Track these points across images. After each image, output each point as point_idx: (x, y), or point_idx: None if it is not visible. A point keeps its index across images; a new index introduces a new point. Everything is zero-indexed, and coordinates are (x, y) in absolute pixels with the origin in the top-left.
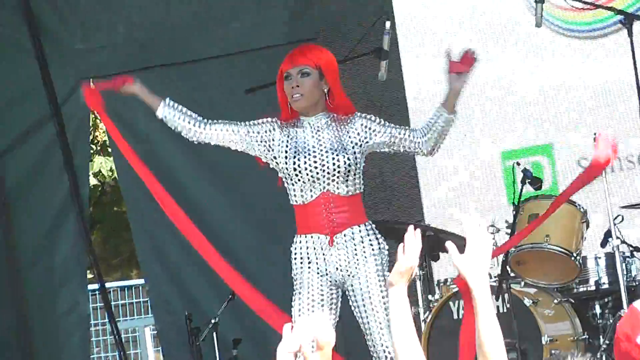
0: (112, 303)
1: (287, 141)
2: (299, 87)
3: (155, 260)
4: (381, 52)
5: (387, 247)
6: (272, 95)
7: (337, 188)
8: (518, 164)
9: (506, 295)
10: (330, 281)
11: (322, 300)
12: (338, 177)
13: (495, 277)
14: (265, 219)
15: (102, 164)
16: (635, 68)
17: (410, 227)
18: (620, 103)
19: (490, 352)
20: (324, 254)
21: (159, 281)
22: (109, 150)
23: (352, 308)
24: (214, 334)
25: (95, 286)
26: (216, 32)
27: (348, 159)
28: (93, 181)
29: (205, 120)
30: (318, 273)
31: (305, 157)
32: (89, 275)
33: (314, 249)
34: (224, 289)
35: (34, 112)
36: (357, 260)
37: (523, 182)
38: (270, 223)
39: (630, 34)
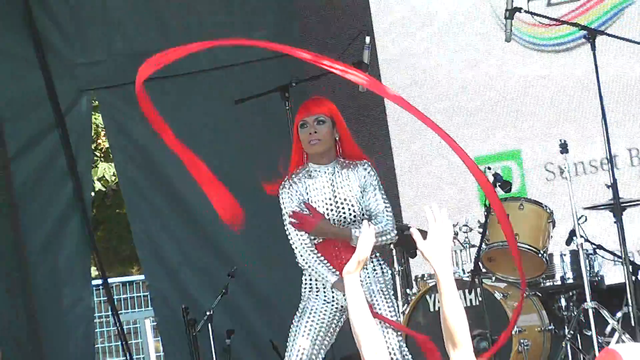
0: (115, 297)
1: (307, 192)
2: (316, 133)
3: (154, 259)
4: (361, 64)
5: (390, 271)
6: (260, 105)
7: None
8: (489, 168)
9: (478, 290)
10: (336, 307)
11: (322, 324)
12: (352, 224)
13: (468, 272)
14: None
15: (106, 170)
16: (598, 79)
17: (365, 222)
18: (583, 111)
19: (454, 325)
20: (332, 292)
21: (157, 278)
22: (111, 156)
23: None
24: (209, 325)
25: (99, 282)
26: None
27: (360, 206)
28: (97, 185)
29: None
30: (325, 300)
31: (323, 206)
32: (93, 272)
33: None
34: (218, 284)
35: (40, 121)
36: (363, 284)
37: (494, 186)
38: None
39: (593, 47)
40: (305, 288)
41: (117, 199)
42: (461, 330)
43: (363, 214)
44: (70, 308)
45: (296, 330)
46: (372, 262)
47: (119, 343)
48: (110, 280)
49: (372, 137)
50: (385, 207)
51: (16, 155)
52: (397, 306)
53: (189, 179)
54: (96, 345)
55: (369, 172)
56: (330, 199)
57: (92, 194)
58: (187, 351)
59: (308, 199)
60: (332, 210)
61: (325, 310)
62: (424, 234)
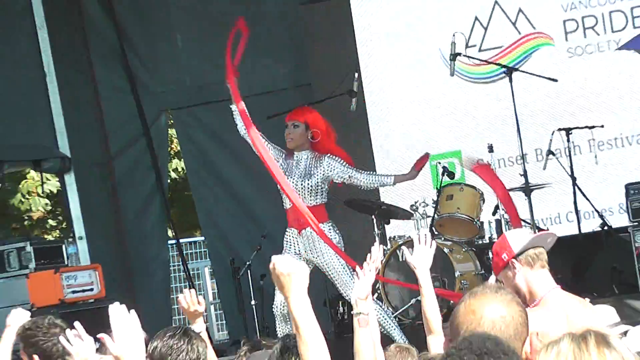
0: (184, 251)
1: (283, 166)
2: (290, 134)
3: (210, 225)
4: (352, 92)
5: (339, 235)
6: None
7: (305, 200)
8: (439, 163)
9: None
10: (302, 258)
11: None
12: (305, 193)
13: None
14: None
15: (177, 164)
16: (513, 100)
17: (375, 246)
18: (504, 123)
19: (431, 317)
20: (297, 241)
21: (213, 238)
22: (181, 155)
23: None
24: (248, 271)
25: (173, 241)
26: (246, 79)
27: (311, 182)
28: (172, 175)
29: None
30: (295, 252)
31: (289, 178)
32: (169, 234)
33: (292, 237)
34: (254, 243)
35: (133, 131)
36: (317, 248)
37: (442, 175)
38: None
39: (510, 80)
40: (285, 242)
41: (185, 184)
42: (436, 321)
43: (311, 187)
44: (153, 259)
45: None
46: (328, 226)
47: (187, 283)
48: (181, 240)
49: (357, 145)
50: (365, 171)
51: (116, 154)
52: (346, 267)
53: (234, 169)
54: (170, 285)
55: (335, 159)
56: (294, 173)
57: (168, 181)
58: (233, 289)
59: (284, 170)
60: (294, 181)
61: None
62: (396, 208)
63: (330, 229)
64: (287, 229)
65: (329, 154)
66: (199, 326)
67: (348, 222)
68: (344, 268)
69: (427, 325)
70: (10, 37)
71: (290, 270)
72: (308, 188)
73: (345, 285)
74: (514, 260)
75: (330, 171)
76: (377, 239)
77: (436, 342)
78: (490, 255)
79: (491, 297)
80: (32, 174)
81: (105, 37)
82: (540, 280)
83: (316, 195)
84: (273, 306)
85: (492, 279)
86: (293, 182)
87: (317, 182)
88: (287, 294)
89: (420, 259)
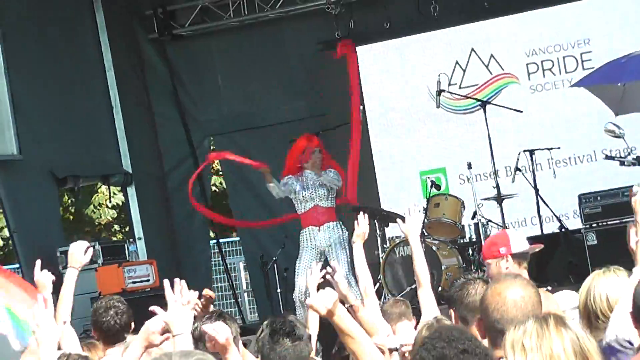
0: (223, 249)
1: (301, 182)
2: (318, 158)
3: (245, 229)
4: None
5: (347, 232)
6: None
7: (322, 203)
8: (428, 177)
9: (423, 245)
10: (317, 250)
11: (310, 262)
12: (322, 198)
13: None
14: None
15: (216, 180)
16: (487, 128)
17: (361, 214)
18: (479, 145)
19: (420, 272)
20: (315, 237)
21: (246, 238)
22: (220, 171)
23: (330, 260)
24: (275, 265)
25: (214, 241)
26: (275, 111)
27: (325, 189)
28: (213, 188)
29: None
30: (310, 247)
31: (307, 190)
32: (211, 235)
33: (311, 233)
34: (279, 242)
35: (182, 152)
36: (331, 238)
37: (431, 187)
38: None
39: (484, 111)
40: (301, 239)
41: (224, 195)
42: (424, 276)
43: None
44: (198, 255)
45: (296, 270)
46: (336, 224)
47: (225, 275)
48: (220, 240)
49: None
50: (331, 175)
51: (169, 171)
52: (348, 254)
53: (262, 183)
54: (212, 277)
55: (329, 170)
56: (311, 187)
57: (210, 192)
58: (262, 280)
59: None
60: (311, 190)
61: (310, 253)
62: (394, 215)
63: (339, 225)
64: (304, 229)
65: (329, 168)
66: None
67: (354, 225)
68: (346, 262)
69: (417, 279)
70: (85, 78)
71: (327, 305)
72: (324, 194)
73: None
74: (509, 256)
75: (333, 179)
76: (378, 239)
77: (424, 293)
78: (471, 252)
79: (512, 282)
80: (102, 188)
81: (160, 77)
82: None
83: (328, 199)
84: (294, 295)
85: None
86: (309, 193)
87: (327, 189)
88: (330, 318)
89: (411, 226)
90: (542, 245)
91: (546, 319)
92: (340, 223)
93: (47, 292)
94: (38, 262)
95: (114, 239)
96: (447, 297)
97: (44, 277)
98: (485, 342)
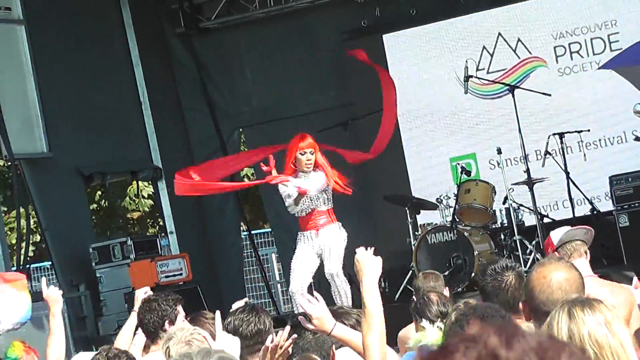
0: (255, 241)
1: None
2: (310, 160)
3: (276, 220)
4: None
5: (345, 233)
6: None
7: (321, 206)
8: (458, 163)
9: (455, 231)
10: (315, 250)
11: (308, 260)
12: (321, 201)
13: (450, 221)
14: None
15: (247, 171)
16: (516, 113)
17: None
18: (510, 130)
19: (372, 312)
20: (313, 242)
21: (278, 230)
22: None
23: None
24: None
25: (246, 233)
26: (305, 101)
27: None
28: (245, 180)
29: None
30: (308, 245)
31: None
32: (243, 227)
33: (309, 238)
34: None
35: (212, 146)
36: (330, 240)
37: (461, 173)
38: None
39: (513, 96)
40: (299, 242)
41: (255, 188)
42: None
43: (326, 197)
44: (230, 247)
45: (293, 266)
46: (334, 226)
47: (257, 267)
48: (252, 231)
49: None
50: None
51: (200, 164)
52: (342, 253)
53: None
54: (244, 269)
55: (320, 172)
56: (315, 188)
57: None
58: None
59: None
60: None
61: (309, 252)
62: (425, 202)
63: (338, 227)
64: (301, 233)
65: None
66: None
67: (386, 213)
68: (339, 260)
69: (366, 322)
70: (113, 74)
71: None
72: (322, 197)
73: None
74: (554, 252)
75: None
76: (410, 226)
77: (375, 339)
78: (503, 237)
79: (556, 264)
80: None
81: (188, 71)
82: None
83: (326, 201)
84: (289, 290)
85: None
86: (314, 194)
87: (328, 191)
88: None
89: (367, 269)
90: (587, 227)
91: (575, 302)
92: (339, 225)
93: (58, 307)
94: (44, 280)
95: (149, 233)
96: (481, 288)
97: (53, 293)
98: (531, 324)
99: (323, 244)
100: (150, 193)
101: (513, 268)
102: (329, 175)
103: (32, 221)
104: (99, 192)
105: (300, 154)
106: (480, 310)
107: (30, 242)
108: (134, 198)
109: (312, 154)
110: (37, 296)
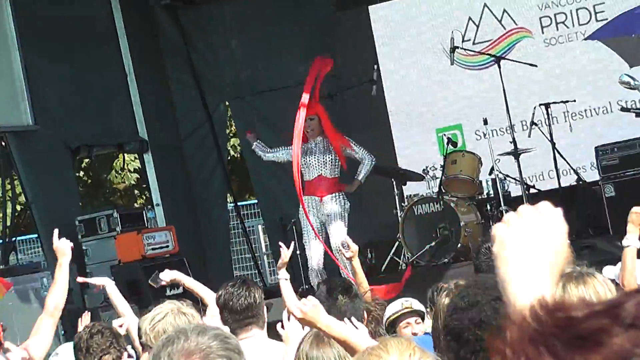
0: (241, 212)
1: (304, 149)
2: (310, 126)
3: (263, 190)
4: (372, 80)
5: (349, 203)
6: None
7: (325, 172)
8: (444, 134)
9: (441, 202)
10: (320, 221)
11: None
12: (326, 167)
13: (436, 192)
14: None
15: (234, 142)
16: (502, 83)
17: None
18: (494, 100)
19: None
20: (315, 207)
21: (265, 201)
22: (237, 135)
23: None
24: (294, 227)
25: (232, 205)
26: (290, 73)
27: (331, 157)
28: (231, 152)
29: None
30: (314, 217)
31: (311, 156)
32: (229, 199)
33: (311, 203)
34: (298, 204)
35: (198, 118)
36: (333, 211)
37: (447, 144)
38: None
39: (499, 66)
40: (306, 203)
41: (242, 158)
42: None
43: (330, 163)
44: (217, 219)
45: (306, 240)
46: (339, 195)
47: (244, 238)
48: (238, 203)
49: (378, 120)
50: (363, 150)
51: (185, 137)
52: (346, 224)
53: (280, 145)
54: (230, 240)
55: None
56: (315, 153)
57: (228, 157)
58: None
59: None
60: (317, 159)
61: (315, 223)
62: (411, 173)
63: (342, 196)
64: (307, 197)
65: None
66: (282, 274)
67: (372, 184)
68: (343, 233)
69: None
70: (98, 46)
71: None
72: (328, 162)
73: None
74: None
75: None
76: (396, 197)
77: None
78: (489, 207)
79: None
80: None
81: (174, 43)
82: None
83: (333, 169)
84: (309, 267)
85: None
86: (315, 159)
87: (333, 158)
88: (320, 327)
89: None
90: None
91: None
92: (343, 194)
93: (66, 259)
94: (56, 231)
95: (136, 204)
96: (475, 267)
97: (62, 244)
98: None
99: (327, 214)
100: (137, 167)
101: None
102: (337, 148)
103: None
104: (85, 164)
105: (311, 120)
106: (481, 282)
107: (16, 214)
108: (119, 171)
109: (313, 120)
110: (22, 270)
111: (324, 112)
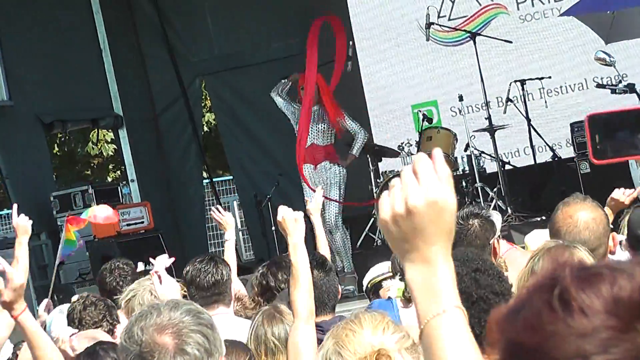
0: (216, 189)
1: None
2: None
3: (238, 166)
4: (348, 56)
5: (344, 171)
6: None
7: (318, 140)
8: (420, 111)
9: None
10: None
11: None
12: (319, 135)
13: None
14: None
15: (209, 117)
16: (478, 59)
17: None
18: (470, 76)
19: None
20: (310, 175)
21: (240, 177)
22: (213, 110)
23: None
24: (269, 203)
25: (207, 180)
26: (266, 49)
27: (324, 126)
28: (206, 128)
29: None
30: (311, 182)
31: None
32: (204, 174)
33: (309, 171)
34: (274, 180)
35: (173, 93)
36: (328, 178)
37: (423, 120)
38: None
39: (474, 43)
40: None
41: (217, 134)
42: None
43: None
44: (192, 196)
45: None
46: (336, 165)
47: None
48: (213, 179)
49: (353, 96)
50: (356, 124)
51: (160, 112)
52: (342, 193)
53: (255, 120)
54: (206, 216)
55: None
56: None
57: (202, 132)
58: (257, 218)
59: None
60: (313, 125)
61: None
62: (386, 150)
63: (336, 165)
64: (304, 165)
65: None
66: (229, 234)
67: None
68: (338, 199)
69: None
70: (72, 21)
71: (294, 215)
72: (322, 130)
73: (329, 209)
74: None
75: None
76: (372, 173)
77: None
78: (464, 184)
79: (582, 204)
80: None
81: (149, 18)
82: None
83: (326, 137)
84: None
85: None
86: (312, 127)
87: (326, 127)
88: (290, 239)
89: (315, 207)
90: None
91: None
92: (337, 164)
93: (25, 237)
94: (15, 207)
95: (110, 179)
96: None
97: (22, 221)
98: None
99: (322, 181)
100: (113, 138)
101: (477, 215)
102: (332, 115)
103: None
104: (59, 139)
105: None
106: (461, 255)
107: None
108: (96, 143)
109: (303, 89)
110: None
111: (324, 82)
